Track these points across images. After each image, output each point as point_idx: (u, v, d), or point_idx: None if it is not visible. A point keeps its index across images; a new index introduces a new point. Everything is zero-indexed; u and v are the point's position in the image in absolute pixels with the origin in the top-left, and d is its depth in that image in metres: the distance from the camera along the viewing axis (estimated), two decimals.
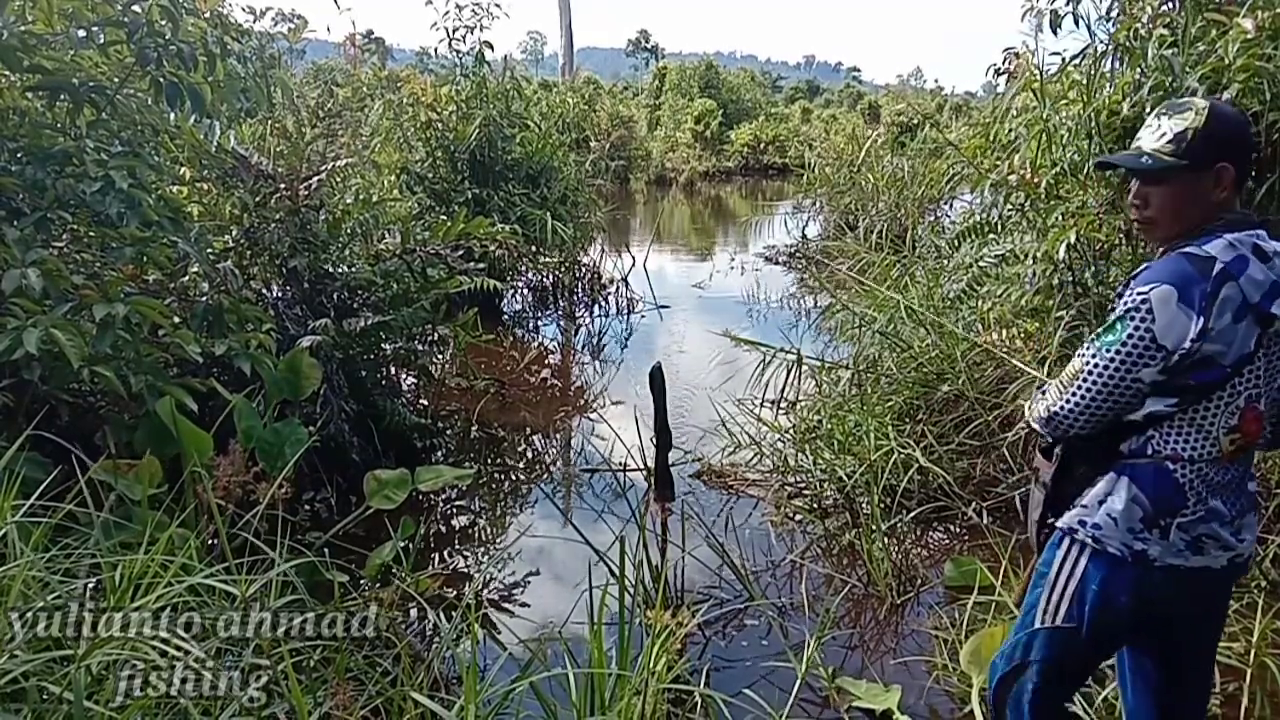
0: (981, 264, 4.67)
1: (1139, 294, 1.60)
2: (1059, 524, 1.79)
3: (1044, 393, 1.78)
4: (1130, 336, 1.60)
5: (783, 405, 5.04)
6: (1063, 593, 1.76)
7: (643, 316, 8.38)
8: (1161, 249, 1.74)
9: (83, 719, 1.56)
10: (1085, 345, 1.69)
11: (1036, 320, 4.20)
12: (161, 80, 3.09)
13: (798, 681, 2.63)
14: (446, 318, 4.74)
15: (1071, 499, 1.78)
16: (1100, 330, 1.66)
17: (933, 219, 9.58)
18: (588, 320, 8.41)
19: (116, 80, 3.20)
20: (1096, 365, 1.64)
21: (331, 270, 4.25)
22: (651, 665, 2.21)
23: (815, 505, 4.03)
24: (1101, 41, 3.85)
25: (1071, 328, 3.85)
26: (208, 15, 3.40)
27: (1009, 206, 4.35)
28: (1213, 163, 1.62)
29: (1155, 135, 1.66)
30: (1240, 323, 1.58)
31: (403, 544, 3.04)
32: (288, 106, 5.07)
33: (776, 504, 4.08)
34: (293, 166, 4.15)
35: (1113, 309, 1.68)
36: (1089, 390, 1.66)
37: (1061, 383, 1.72)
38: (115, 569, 1.99)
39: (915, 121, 17.65)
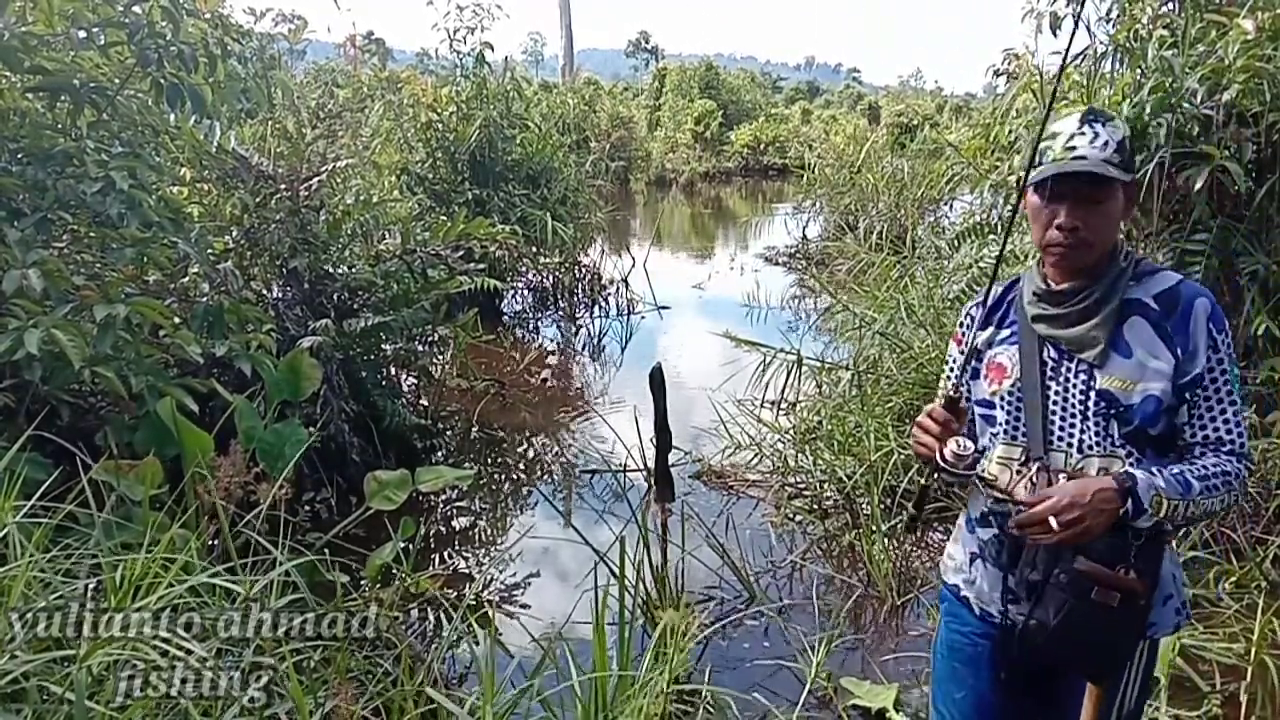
0: (981, 264, 4.67)
1: (1228, 329, 1.48)
2: (1159, 635, 1.55)
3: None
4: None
5: (783, 406, 5.04)
6: (1137, 686, 1.57)
7: (643, 317, 8.38)
8: (1064, 276, 1.54)
9: (83, 719, 1.56)
10: (1233, 398, 1.47)
11: None
12: (162, 81, 3.10)
13: (807, 685, 2.64)
14: (446, 318, 4.75)
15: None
16: (1234, 379, 1.47)
17: (932, 220, 9.58)
18: (588, 321, 8.41)
19: (117, 81, 3.20)
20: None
21: (332, 271, 4.25)
22: (654, 666, 2.21)
23: (815, 506, 4.03)
24: (1102, 43, 3.86)
25: None
26: (208, 16, 3.40)
27: (1009, 207, 4.35)
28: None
29: (1097, 144, 1.42)
30: None
31: (403, 544, 3.04)
32: (288, 107, 5.07)
33: (776, 504, 4.09)
34: (293, 167, 4.15)
35: (1215, 357, 1.46)
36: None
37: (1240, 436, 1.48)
38: (116, 569, 1.98)
39: (915, 122, 17.67)
